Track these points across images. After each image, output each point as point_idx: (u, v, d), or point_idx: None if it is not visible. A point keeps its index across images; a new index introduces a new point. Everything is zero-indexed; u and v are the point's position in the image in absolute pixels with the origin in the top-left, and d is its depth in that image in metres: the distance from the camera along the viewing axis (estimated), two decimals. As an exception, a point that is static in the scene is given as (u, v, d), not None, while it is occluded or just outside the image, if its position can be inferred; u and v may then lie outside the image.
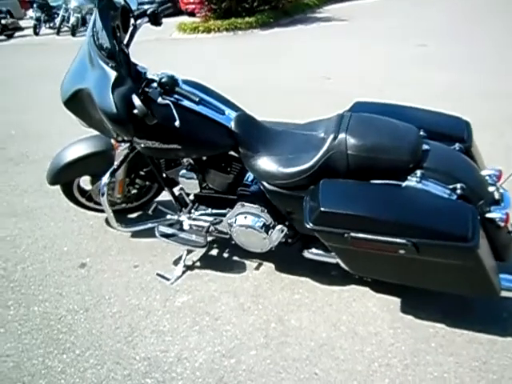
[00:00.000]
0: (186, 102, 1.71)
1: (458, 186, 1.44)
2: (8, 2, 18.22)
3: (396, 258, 1.40)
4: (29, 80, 7.07)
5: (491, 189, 1.53)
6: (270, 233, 1.86)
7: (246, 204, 1.87)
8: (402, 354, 1.59)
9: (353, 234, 1.39)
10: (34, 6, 14.36)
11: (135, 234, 2.46)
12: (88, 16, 13.33)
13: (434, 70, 5.10)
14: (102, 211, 2.62)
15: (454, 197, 1.45)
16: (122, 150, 2.01)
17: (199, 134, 1.73)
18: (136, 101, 1.51)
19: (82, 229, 2.62)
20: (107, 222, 2.62)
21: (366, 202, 1.41)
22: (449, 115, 1.80)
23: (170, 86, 1.63)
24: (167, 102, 1.63)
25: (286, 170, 1.64)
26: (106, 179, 2.04)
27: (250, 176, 1.97)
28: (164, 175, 2.11)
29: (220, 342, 1.74)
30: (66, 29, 13.45)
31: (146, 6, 2.08)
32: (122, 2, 1.92)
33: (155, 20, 1.99)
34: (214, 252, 2.25)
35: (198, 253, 2.24)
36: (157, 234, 2.09)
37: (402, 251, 1.35)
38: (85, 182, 2.47)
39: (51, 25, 14.70)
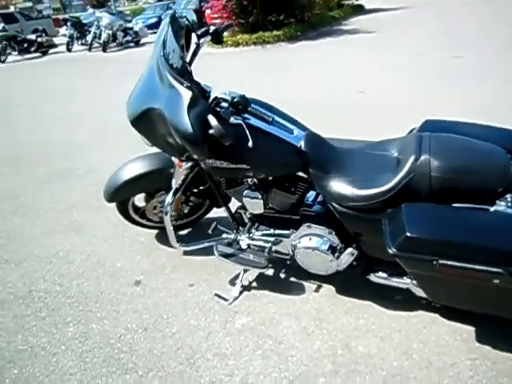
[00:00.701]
0: (255, 122, 1.70)
1: None
2: (43, 22, 19.11)
3: (487, 287, 1.33)
4: (62, 96, 7.31)
5: None
6: (336, 255, 1.82)
7: (312, 225, 1.83)
8: (483, 388, 1.51)
9: (441, 261, 1.33)
10: (68, 24, 14.98)
11: (188, 252, 2.44)
12: (119, 32, 13.77)
13: (470, 83, 4.99)
14: (153, 228, 2.65)
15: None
16: (184, 169, 2.01)
17: (270, 154, 1.72)
18: (213, 121, 1.50)
19: (133, 245, 2.63)
20: (158, 238, 2.64)
21: (455, 227, 1.35)
22: None
23: (242, 105, 1.62)
24: (239, 121, 1.62)
25: (360, 191, 1.60)
26: (169, 199, 2.04)
27: (311, 196, 1.94)
28: (222, 193, 2.11)
29: (286, 367, 1.69)
30: (96, 45, 13.92)
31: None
32: (186, 22, 1.95)
33: (217, 38, 2.02)
34: (271, 272, 2.21)
35: (254, 272, 2.21)
36: (216, 254, 2.07)
37: (496, 281, 1.29)
38: (138, 199, 2.49)
39: (83, 41, 15.30)
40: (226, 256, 2.05)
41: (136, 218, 2.54)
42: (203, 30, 2.03)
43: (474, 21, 9.29)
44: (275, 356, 1.74)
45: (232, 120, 1.61)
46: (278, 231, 1.98)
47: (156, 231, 2.69)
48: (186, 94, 1.54)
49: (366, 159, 1.74)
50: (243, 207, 2.07)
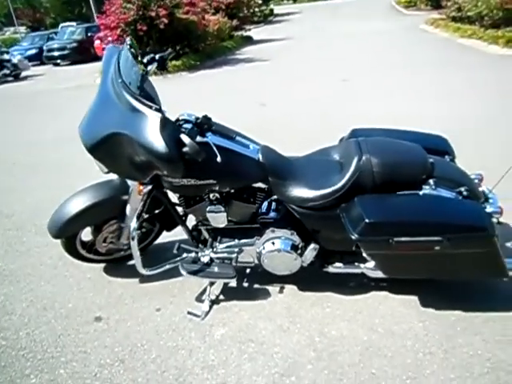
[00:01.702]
0: (218, 139, 1.84)
1: (463, 189, 1.77)
2: None
3: (430, 255, 1.65)
4: None
5: (481, 189, 1.89)
6: (298, 253, 2.01)
7: (275, 229, 2.01)
8: (437, 341, 1.82)
9: (396, 239, 1.61)
10: None
11: (143, 280, 2.41)
12: None
13: (358, 101, 5.79)
14: (102, 262, 2.55)
15: (460, 198, 1.77)
16: (144, 193, 2.03)
17: (234, 168, 1.86)
18: (186, 140, 1.60)
19: (80, 283, 2.49)
20: (107, 271, 2.54)
21: (401, 211, 1.67)
22: (431, 134, 2.17)
23: (207, 125, 1.75)
24: (206, 140, 1.74)
25: (317, 192, 1.83)
26: (135, 223, 2.03)
27: (267, 204, 2.12)
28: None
29: (274, 364, 1.80)
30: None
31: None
32: (132, 50, 2.02)
33: (163, 64, 2.13)
34: (234, 283, 2.31)
35: (219, 286, 2.29)
36: (183, 272, 2.11)
37: (437, 247, 1.61)
38: (84, 233, 2.39)
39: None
40: (194, 273, 2.11)
41: (83, 253, 2.42)
42: (149, 57, 2.12)
43: (356, 50, 10.68)
44: (261, 356, 1.85)
45: (199, 139, 1.73)
46: (241, 241, 2.11)
47: (101, 265, 2.58)
48: (157, 117, 1.62)
49: (314, 165, 1.99)
50: (203, 223, 2.16)
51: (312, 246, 1.99)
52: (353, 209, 1.73)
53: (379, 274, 1.95)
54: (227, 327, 2.03)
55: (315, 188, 1.86)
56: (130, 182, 2.11)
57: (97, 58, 15.70)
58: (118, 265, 2.58)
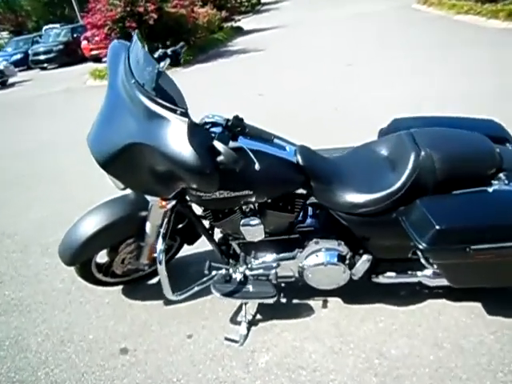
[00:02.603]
0: (253, 143, 1.59)
1: None
2: None
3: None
4: None
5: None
6: (346, 264, 1.79)
7: (320, 240, 1.77)
8: (514, 355, 1.61)
9: (474, 247, 1.38)
10: None
11: (168, 302, 2.17)
12: None
13: (370, 89, 5.54)
14: (120, 284, 2.32)
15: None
16: (168, 209, 1.79)
17: (274, 175, 1.62)
18: (220, 146, 1.36)
19: (99, 310, 2.26)
20: (126, 294, 2.31)
21: (476, 213, 1.43)
22: (482, 119, 1.92)
23: (240, 127, 1.50)
24: (240, 145, 1.49)
25: (370, 196, 1.60)
26: (161, 245, 1.78)
27: (308, 212, 1.89)
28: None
29: (333, 395, 1.59)
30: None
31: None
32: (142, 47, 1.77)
33: (177, 59, 1.88)
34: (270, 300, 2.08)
35: (254, 304, 2.06)
36: (217, 294, 1.88)
37: None
38: (100, 254, 2.15)
39: None
40: (229, 294, 1.87)
41: (99, 276, 2.19)
42: (160, 52, 1.87)
43: (351, 34, 10.35)
44: (316, 386, 1.63)
45: (231, 144, 1.48)
46: (280, 255, 1.87)
47: (119, 288, 2.35)
48: (183, 122, 1.37)
49: (359, 164, 1.76)
50: (234, 237, 1.92)
51: (365, 257, 1.76)
52: (415, 213, 1.49)
53: (440, 282, 1.73)
54: (271, 352, 1.81)
55: (366, 191, 1.62)
56: (149, 197, 1.87)
57: (85, 60, 15.35)
58: (136, 286, 2.35)
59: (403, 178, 1.56)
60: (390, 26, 10.29)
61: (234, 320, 2.01)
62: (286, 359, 1.77)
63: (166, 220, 1.82)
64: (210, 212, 1.85)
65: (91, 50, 13.41)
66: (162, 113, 1.41)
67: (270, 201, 1.75)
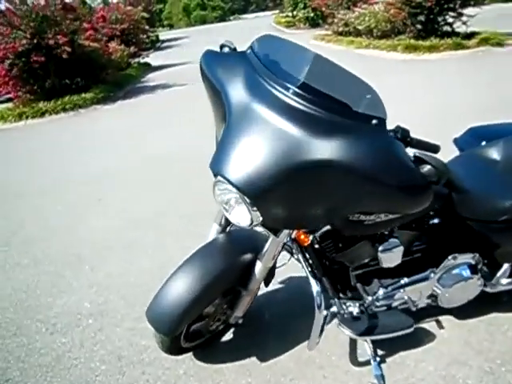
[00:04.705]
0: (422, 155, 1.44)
1: None
2: None
3: None
4: None
5: None
6: (480, 275, 1.73)
7: (457, 255, 1.68)
8: None
9: None
10: None
11: (263, 357, 1.84)
12: None
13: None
14: (194, 349, 1.90)
15: None
16: (309, 243, 1.52)
17: (437, 188, 1.48)
18: (430, 158, 1.20)
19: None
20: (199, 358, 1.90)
21: None
22: None
23: (410, 138, 1.33)
24: (420, 156, 1.33)
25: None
26: (317, 286, 1.49)
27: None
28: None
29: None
30: None
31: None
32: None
33: None
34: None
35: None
36: (351, 334, 1.64)
37: None
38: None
39: None
40: (366, 332, 1.65)
41: (183, 344, 1.77)
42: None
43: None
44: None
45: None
46: (411, 278, 1.72)
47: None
48: (383, 133, 1.19)
49: (482, 170, 1.73)
50: (356, 267, 1.73)
51: (506, 266, 1.72)
52: None
53: None
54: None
55: (507, 197, 1.60)
56: (263, 233, 1.58)
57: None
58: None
59: None
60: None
61: (354, 361, 1.78)
62: (444, 390, 1.60)
63: (310, 255, 1.56)
64: (331, 242, 1.63)
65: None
66: (350, 124, 1.19)
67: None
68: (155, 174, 4.40)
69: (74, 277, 2.74)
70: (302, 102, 1.19)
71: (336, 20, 13.54)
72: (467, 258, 1.71)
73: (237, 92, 1.36)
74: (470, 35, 9.04)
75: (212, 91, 1.51)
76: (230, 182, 1.24)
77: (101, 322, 2.26)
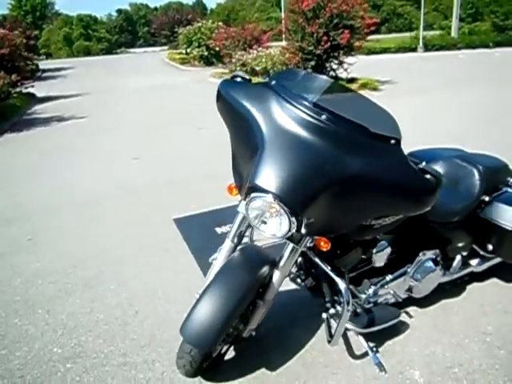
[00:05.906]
0: None
1: None
2: None
3: None
4: None
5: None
6: (441, 265, 2.15)
7: (426, 251, 2.08)
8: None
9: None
10: None
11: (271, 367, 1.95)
12: None
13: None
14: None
15: None
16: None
17: None
18: (432, 170, 1.54)
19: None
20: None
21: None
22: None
23: None
24: (425, 168, 1.61)
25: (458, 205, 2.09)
26: (344, 287, 1.68)
27: None
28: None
29: None
30: None
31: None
32: None
33: None
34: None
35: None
36: (357, 329, 1.92)
37: None
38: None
39: None
40: (368, 326, 1.94)
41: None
42: None
43: (167, 100, 10.93)
44: None
45: None
46: (394, 275, 2.05)
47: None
48: (400, 149, 1.50)
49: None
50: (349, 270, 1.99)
51: (458, 257, 2.17)
52: None
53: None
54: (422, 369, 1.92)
55: (457, 202, 2.07)
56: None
57: None
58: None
59: (477, 190, 2.09)
60: (201, 96, 11.52)
61: (354, 355, 2.01)
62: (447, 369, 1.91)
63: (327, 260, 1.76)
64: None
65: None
66: (373, 143, 1.48)
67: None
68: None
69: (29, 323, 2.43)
70: (331, 124, 1.46)
71: (234, 60, 14.44)
72: (432, 253, 2.13)
73: (269, 117, 1.56)
74: (351, 80, 10.64)
75: (235, 116, 1.68)
76: (272, 194, 1.41)
77: (83, 364, 2.08)
